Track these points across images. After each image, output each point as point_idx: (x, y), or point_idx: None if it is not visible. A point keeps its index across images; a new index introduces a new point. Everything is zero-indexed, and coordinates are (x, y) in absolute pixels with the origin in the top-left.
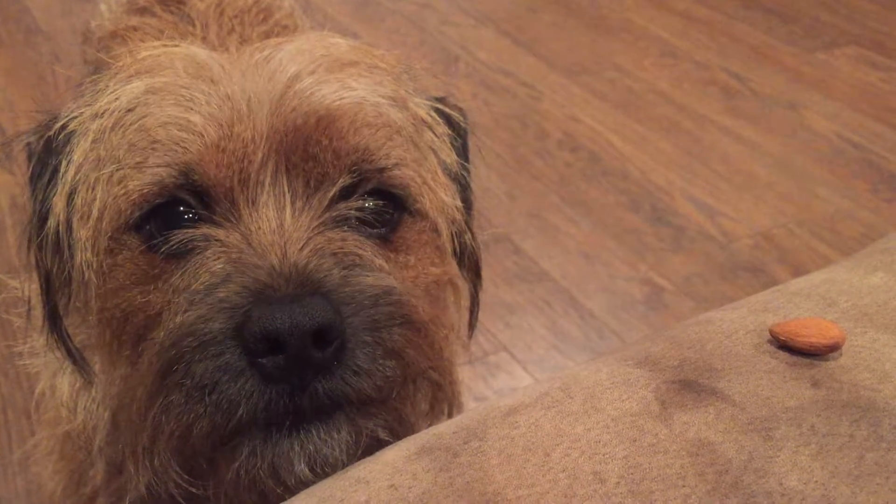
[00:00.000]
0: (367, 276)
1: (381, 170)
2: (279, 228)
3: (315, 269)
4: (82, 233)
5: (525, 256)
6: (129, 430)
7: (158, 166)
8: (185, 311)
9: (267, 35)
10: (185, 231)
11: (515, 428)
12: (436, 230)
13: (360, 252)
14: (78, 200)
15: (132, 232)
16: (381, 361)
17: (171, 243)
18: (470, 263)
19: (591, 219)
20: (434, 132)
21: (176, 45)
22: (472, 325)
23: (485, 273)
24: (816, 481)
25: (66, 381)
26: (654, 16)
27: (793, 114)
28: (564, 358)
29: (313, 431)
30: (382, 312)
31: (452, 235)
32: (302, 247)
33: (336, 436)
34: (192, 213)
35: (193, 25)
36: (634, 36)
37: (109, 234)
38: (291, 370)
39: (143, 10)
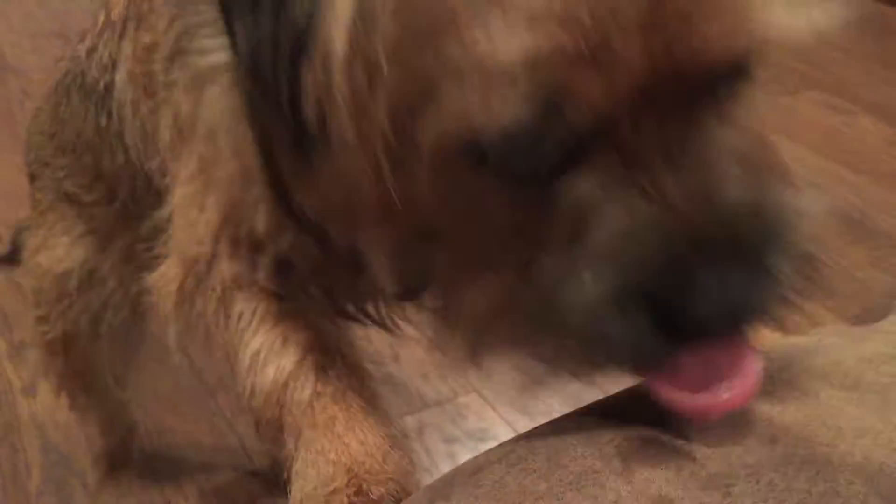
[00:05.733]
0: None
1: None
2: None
3: (755, 235)
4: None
5: None
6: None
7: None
8: (587, 274)
9: None
10: (566, 172)
11: (480, 487)
12: None
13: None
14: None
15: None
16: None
17: (540, 182)
18: None
19: None
20: None
21: None
22: None
23: None
24: None
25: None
26: None
27: None
28: (534, 399)
29: None
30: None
31: None
32: (727, 201)
33: None
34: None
35: None
36: None
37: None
38: (714, 338)
39: None
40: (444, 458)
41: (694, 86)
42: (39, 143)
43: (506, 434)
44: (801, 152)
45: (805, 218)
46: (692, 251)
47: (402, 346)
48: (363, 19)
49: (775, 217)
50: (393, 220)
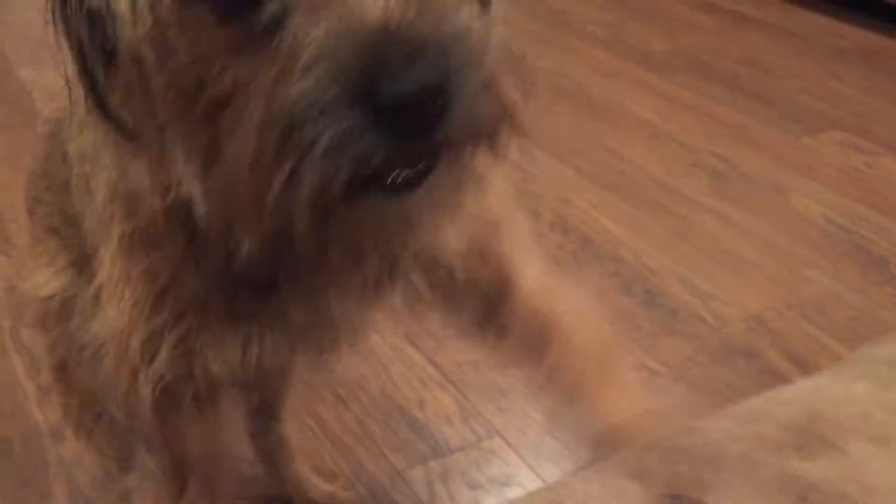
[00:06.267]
0: (460, 18)
1: None
2: None
3: (422, 22)
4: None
5: None
6: (241, 198)
7: None
8: (301, 81)
9: None
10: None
11: None
12: None
13: None
14: None
15: (198, 3)
16: (483, 103)
17: (250, 18)
18: None
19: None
20: None
21: None
22: None
23: (475, 356)
24: None
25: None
26: (643, 99)
27: (779, 197)
28: (558, 443)
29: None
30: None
31: None
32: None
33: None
34: None
35: None
36: (624, 118)
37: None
38: (419, 124)
39: None
40: None
41: None
42: (35, 183)
43: (529, 479)
44: (823, 193)
45: (491, 48)
46: (389, 47)
47: (426, 392)
48: None
49: (460, 34)
50: (182, 99)
